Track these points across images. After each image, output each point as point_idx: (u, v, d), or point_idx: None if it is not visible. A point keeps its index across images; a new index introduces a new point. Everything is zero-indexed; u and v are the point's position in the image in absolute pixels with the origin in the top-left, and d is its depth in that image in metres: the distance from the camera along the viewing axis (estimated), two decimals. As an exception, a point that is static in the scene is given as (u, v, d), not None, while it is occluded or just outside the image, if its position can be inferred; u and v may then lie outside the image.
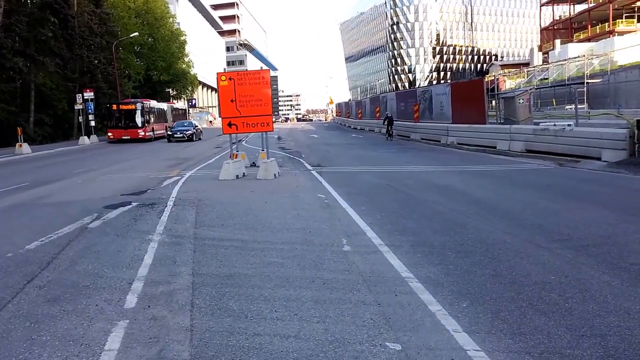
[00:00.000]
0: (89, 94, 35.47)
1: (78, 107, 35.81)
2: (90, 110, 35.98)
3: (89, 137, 35.46)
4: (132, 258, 6.24)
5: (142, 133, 35.57)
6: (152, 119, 38.33)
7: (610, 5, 58.26)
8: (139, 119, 35.50)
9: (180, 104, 60.10)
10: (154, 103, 41.00)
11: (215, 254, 6.32)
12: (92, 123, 36.54)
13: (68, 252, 6.60)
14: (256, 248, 6.54)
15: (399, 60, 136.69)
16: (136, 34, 45.91)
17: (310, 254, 6.21)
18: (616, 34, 55.77)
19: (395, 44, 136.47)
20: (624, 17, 60.23)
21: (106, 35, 41.69)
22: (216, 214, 8.84)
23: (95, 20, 40.05)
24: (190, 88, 63.38)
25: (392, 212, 8.64)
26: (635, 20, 60.26)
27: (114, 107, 36.10)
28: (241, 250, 6.46)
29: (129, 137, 34.97)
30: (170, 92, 59.52)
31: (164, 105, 44.04)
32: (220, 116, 15.28)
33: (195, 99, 74.89)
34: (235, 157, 14.81)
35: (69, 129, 39.33)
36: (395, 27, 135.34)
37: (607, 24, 58.92)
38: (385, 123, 30.84)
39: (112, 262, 6.09)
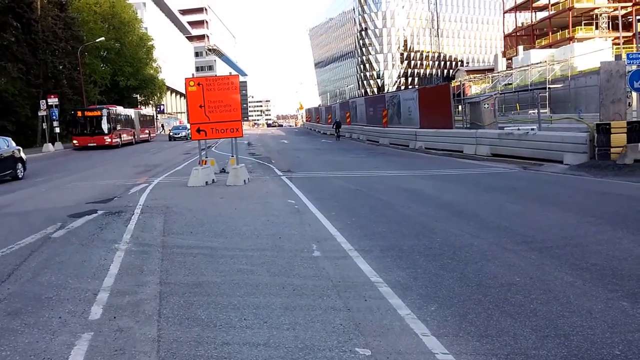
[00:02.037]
0: (53, 100, 34.64)
1: (42, 113, 34.95)
2: (54, 117, 35.14)
3: (53, 145, 34.62)
4: (97, 268, 6.10)
5: (109, 140, 34.91)
6: (119, 126, 37.68)
7: (570, 12, 60.09)
8: (105, 126, 34.83)
9: (148, 110, 59.26)
10: (120, 109, 40.31)
11: (183, 262, 6.24)
12: (57, 130, 35.69)
13: (30, 263, 6.41)
14: (225, 255, 6.48)
15: (367, 65, 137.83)
16: (102, 38, 45.05)
17: (280, 260, 6.19)
18: (576, 40, 57.47)
19: (363, 49, 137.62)
20: (582, 24, 62.20)
21: (71, 40, 40.70)
22: (185, 222, 8.73)
23: (60, 25, 39.07)
24: (158, 94, 62.53)
25: (362, 217, 8.69)
26: (593, 27, 62.29)
27: (79, 113, 35.34)
28: (210, 258, 6.39)
29: (95, 144, 34.23)
30: (138, 97, 58.60)
31: (131, 112, 43.34)
32: (188, 122, 15.13)
33: (163, 104, 73.94)
34: (205, 164, 14.69)
35: (32, 136, 38.21)
36: (363, 33, 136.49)
37: (567, 30, 60.70)
38: (334, 127, 39.28)
39: (76, 273, 5.94)
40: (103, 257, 6.54)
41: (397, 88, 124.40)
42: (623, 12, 58.90)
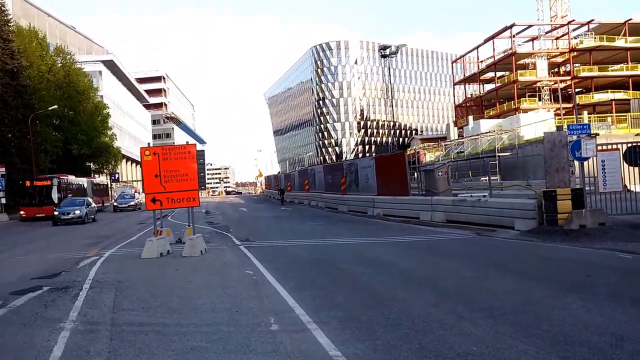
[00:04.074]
0: (0, 170, 33.57)
1: (-12, 183, 33.71)
2: (1, 187, 33.92)
3: (-2, 216, 33.17)
4: (39, 350, 5.74)
5: None
6: (70, 195, 36.63)
7: (515, 85, 64.00)
8: (55, 195, 33.76)
9: (102, 179, 58.11)
10: (72, 178, 39.38)
11: (134, 341, 5.96)
12: (3, 201, 34.32)
13: (-34, 346, 5.99)
14: (179, 332, 6.25)
15: (325, 133, 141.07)
16: (55, 107, 44.49)
17: (236, 335, 6.00)
18: (521, 111, 60.92)
19: (322, 118, 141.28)
20: (527, 96, 66.23)
21: (22, 108, 39.75)
22: (137, 296, 8.41)
23: (10, 93, 38.34)
24: (113, 162, 61.61)
25: (321, 287, 8.61)
26: (536, 99, 66.40)
27: (28, 183, 34.19)
28: (163, 336, 6.13)
29: (43, 215, 32.83)
30: (92, 166, 57.53)
31: (83, 181, 42.37)
32: (143, 192, 14.91)
33: (118, 173, 72.72)
34: (160, 234, 14.34)
35: (-23, 208, 36.63)
36: (321, 102, 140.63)
37: (512, 102, 64.36)
38: (279, 193, 44.47)
39: (16, 356, 5.58)
40: (46, 338, 6.17)
41: (355, 155, 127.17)
42: (563, 85, 63.28)
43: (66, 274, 11.03)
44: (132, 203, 39.92)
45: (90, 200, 33.24)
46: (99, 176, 58.53)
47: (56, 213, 28.26)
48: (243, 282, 9.36)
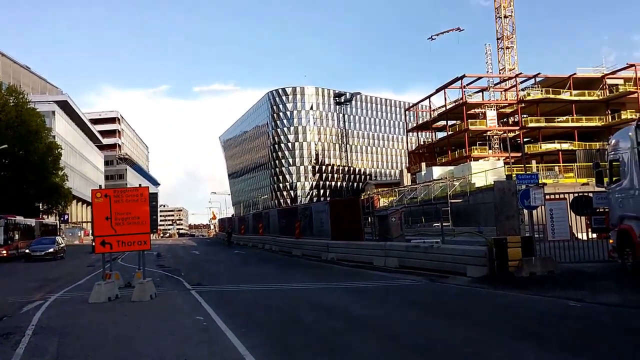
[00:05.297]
0: (-58, 212, 31.91)
1: None
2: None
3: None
4: (-25, 402, 5.44)
5: (4, 252, 32.21)
6: (17, 236, 35.13)
7: (466, 134, 66.42)
8: (1, 237, 32.43)
9: (51, 220, 55.95)
10: (20, 219, 37.77)
11: (77, 391, 5.72)
12: (-56, 244, 32.47)
13: None
14: (125, 381, 6.04)
15: (281, 177, 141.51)
16: (5, 146, 43.08)
17: (185, 384, 5.85)
18: (472, 158, 63.04)
19: (277, 162, 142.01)
20: (477, 144, 68.74)
21: (-32, 150, 38.55)
22: (82, 344, 8.08)
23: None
24: (63, 203, 59.54)
25: (273, 334, 8.53)
26: (487, 147, 68.99)
27: (-26, 223, 32.67)
28: (108, 385, 5.91)
29: (-10, 256, 31.40)
30: (41, 207, 55.48)
31: (31, 221, 40.75)
32: (93, 234, 14.51)
33: (68, 214, 70.18)
34: (109, 278, 13.89)
35: None
36: (277, 146, 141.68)
37: (464, 149, 66.61)
38: (227, 235, 48.21)
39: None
40: (-17, 389, 5.85)
41: (309, 199, 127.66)
42: (512, 134, 66.17)
43: (8, 319, 10.50)
44: (51, 250, 31.68)
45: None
46: (48, 217, 56.33)
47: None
48: (193, 328, 9.15)
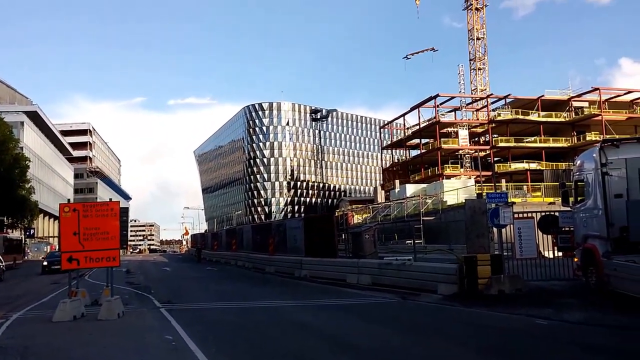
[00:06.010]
0: None
1: None
2: None
3: None
4: None
5: None
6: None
7: (439, 152, 67.37)
8: None
9: (16, 234, 54.42)
10: (-19, 233, 36.70)
11: (38, 414, 5.55)
12: None
13: None
14: (89, 404, 5.89)
15: (255, 192, 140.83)
16: (-31, 157, 42.01)
17: (151, 406, 5.74)
18: (444, 176, 63.91)
19: (252, 177, 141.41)
20: (449, 162, 69.75)
21: None
22: (44, 364, 7.87)
23: None
24: (29, 217, 57.96)
25: (244, 353, 8.44)
26: (459, 166, 70.07)
27: None
28: (70, 408, 5.76)
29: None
30: (5, 220, 53.93)
31: (-6, 236, 39.63)
32: (59, 250, 14.19)
33: (34, 228, 68.36)
34: (75, 295, 13.55)
35: None
36: (252, 161, 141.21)
37: (436, 168, 67.50)
38: (196, 251, 49.95)
39: None
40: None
41: (284, 215, 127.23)
42: (482, 154, 67.39)
43: (-35, 339, 10.13)
44: None
45: None
46: (13, 231, 54.77)
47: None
48: (161, 348, 9.00)
